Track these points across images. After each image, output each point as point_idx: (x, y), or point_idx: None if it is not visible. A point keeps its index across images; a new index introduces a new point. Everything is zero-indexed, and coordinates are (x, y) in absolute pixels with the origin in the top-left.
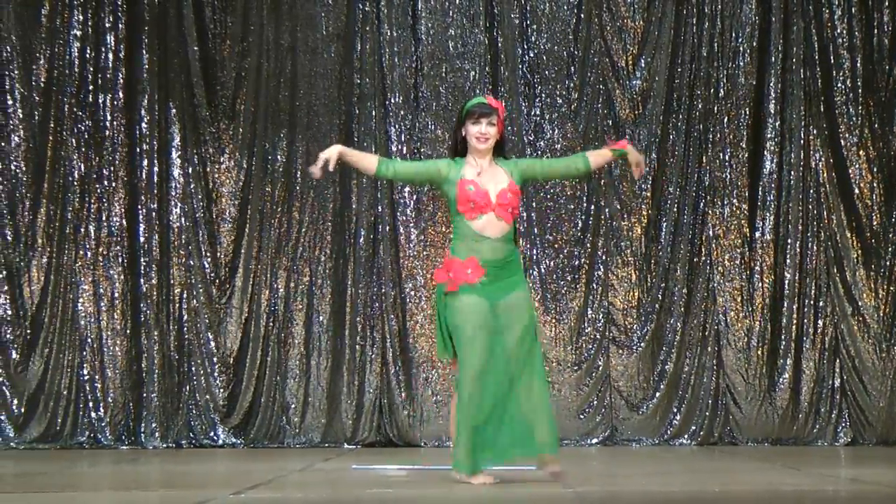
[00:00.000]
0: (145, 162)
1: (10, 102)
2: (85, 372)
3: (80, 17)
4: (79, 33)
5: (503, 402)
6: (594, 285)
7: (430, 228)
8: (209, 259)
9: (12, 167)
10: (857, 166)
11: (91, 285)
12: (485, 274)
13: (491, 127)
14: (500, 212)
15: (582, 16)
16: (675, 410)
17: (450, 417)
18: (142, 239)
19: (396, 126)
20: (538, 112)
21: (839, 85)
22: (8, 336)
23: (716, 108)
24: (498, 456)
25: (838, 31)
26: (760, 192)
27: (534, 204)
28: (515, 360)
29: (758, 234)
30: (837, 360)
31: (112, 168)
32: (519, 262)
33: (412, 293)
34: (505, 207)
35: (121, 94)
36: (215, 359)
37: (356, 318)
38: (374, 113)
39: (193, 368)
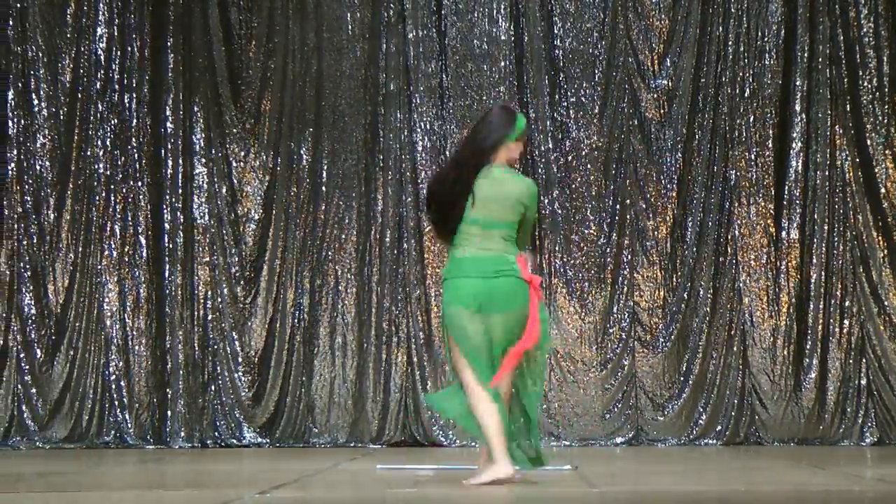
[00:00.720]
0: (170, 162)
1: (35, 102)
2: (110, 372)
3: (106, 17)
4: (104, 33)
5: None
6: (619, 285)
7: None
8: (234, 259)
9: (37, 167)
10: (883, 166)
11: (116, 285)
12: None
13: (519, 148)
14: None
15: (608, 15)
16: (701, 410)
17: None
18: (166, 239)
19: (421, 126)
20: (563, 112)
21: (865, 84)
22: (32, 336)
23: (742, 108)
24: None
25: (864, 29)
26: (786, 192)
27: (559, 203)
28: None
29: (784, 234)
30: (863, 360)
31: (137, 168)
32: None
33: (437, 293)
34: None
35: (146, 94)
36: (240, 358)
37: (381, 317)
38: (399, 113)
39: (218, 368)
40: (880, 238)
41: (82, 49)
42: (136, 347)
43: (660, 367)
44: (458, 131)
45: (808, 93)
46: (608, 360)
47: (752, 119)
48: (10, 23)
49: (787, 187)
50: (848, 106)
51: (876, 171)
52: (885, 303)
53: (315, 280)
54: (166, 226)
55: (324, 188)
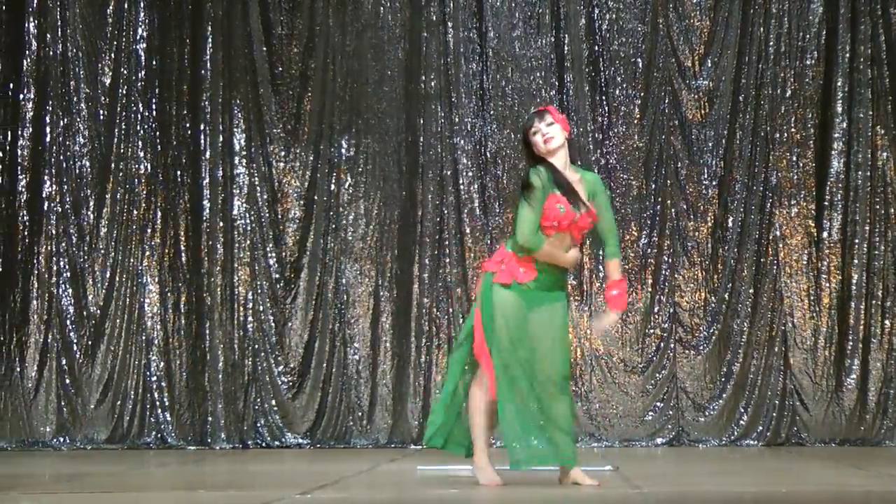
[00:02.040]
0: (210, 162)
1: (75, 101)
2: (151, 372)
3: (146, 17)
4: (144, 33)
5: (536, 411)
6: (660, 286)
7: (497, 228)
8: (274, 259)
9: (77, 167)
10: None
11: (156, 285)
12: (535, 278)
13: (550, 126)
14: (575, 233)
15: (648, 16)
16: (742, 411)
17: (474, 411)
18: (206, 239)
19: (461, 127)
20: (604, 113)
21: None
22: (72, 336)
23: (783, 108)
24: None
25: None
26: (828, 193)
27: None
28: (541, 371)
29: (825, 235)
30: None
31: (177, 168)
32: (567, 278)
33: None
34: (581, 230)
35: (186, 94)
36: (281, 359)
37: (422, 318)
38: (439, 114)
39: (259, 369)
40: None
41: (122, 49)
42: (177, 348)
43: (701, 368)
44: (498, 132)
45: (850, 93)
46: (649, 360)
47: (793, 119)
48: (50, 22)
49: (828, 188)
50: (889, 106)
51: None
52: None
53: (355, 281)
54: (206, 226)
55: (364, 188)
